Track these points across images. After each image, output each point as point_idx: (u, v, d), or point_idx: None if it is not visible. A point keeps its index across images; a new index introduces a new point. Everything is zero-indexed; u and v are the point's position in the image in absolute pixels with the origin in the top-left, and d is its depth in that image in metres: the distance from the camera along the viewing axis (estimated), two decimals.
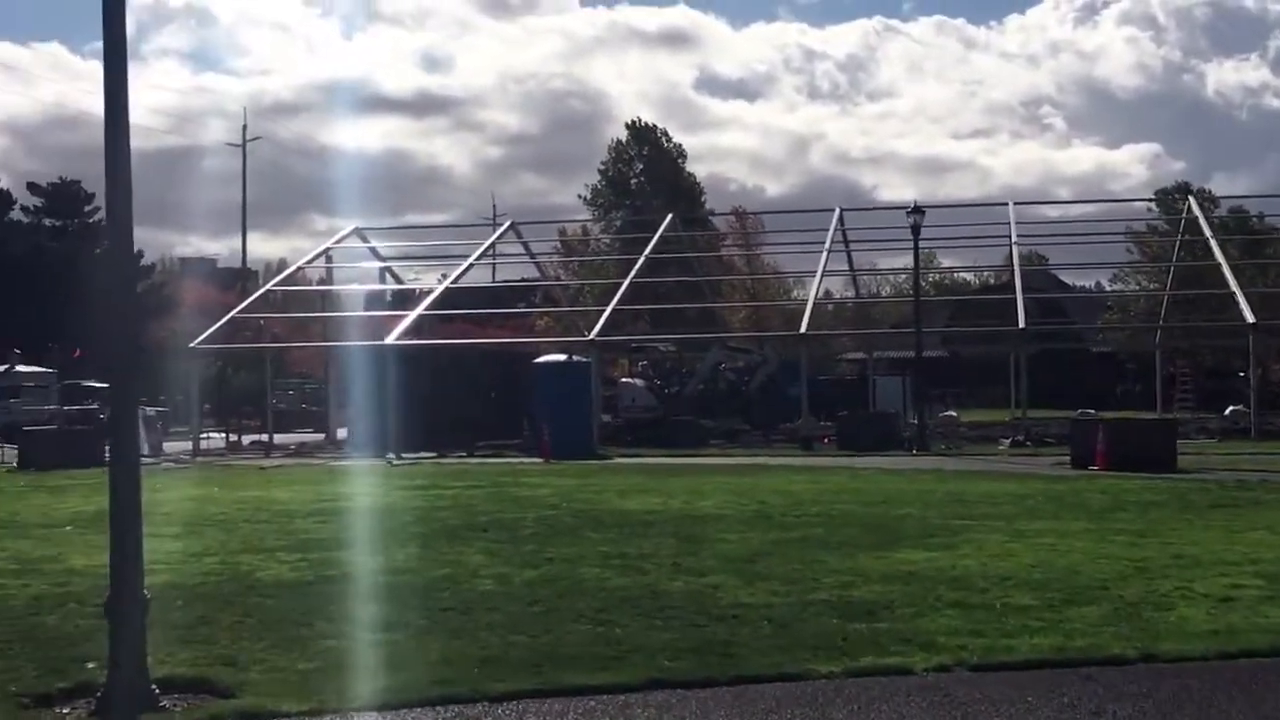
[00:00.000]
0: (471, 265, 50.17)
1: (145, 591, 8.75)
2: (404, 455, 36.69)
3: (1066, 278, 74.70)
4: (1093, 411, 50.68)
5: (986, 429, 45.82)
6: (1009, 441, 38.57)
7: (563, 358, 40.40)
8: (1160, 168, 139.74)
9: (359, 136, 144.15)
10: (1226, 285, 44.42)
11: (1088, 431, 29.59)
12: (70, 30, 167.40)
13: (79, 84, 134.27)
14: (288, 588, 12.99)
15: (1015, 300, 43.96)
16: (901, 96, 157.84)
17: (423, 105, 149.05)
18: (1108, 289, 77.06)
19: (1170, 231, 65.09)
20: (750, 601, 11.80)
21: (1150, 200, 76.24)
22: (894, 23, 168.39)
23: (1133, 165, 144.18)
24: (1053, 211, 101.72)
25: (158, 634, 10.53)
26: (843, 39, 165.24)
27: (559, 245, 77.32)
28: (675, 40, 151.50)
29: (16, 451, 34.80)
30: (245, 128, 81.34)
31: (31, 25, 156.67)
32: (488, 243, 51.50)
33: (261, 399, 52.72)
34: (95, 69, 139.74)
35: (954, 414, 53.64)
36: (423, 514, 19.82)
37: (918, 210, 39.70)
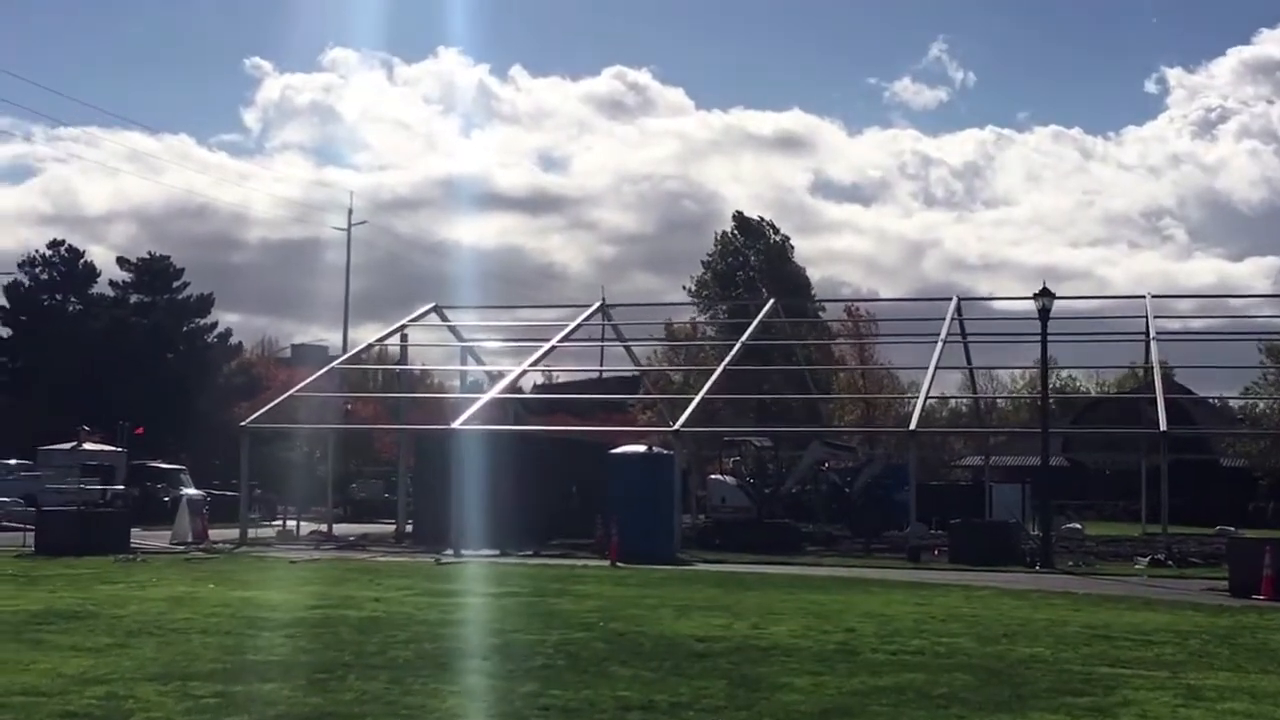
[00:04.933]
0: (554, 347, 46.24)
1: None
2: (464, 552, 32.95)
3: (1193, 388, 69.33)
4: (1232, 529, 45.66)
5: (1116, 545, 41.03)
6: (1147, 560, 33.81)
7: (641, 449, 36.30)
8: None
9: (475, 232, 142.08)
10: None
11: (1250, 552, 24.80)
12: (198, 123, 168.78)
13: (206, 175, 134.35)
14: None
15: (1150, 401, 39.56)
16: (1018, 205, 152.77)
17: (538, 203, 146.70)
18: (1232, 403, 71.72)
19: None
20: None
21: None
22: (1008, 132, 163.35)
23: (1256, 279, 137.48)
24: (1173, 323, 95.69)
25: None
26: (958, 147, 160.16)
27: (662, 335, 73.53)
28: (790, 144, 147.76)
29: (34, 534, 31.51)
30: (350, 212, 79.89)
31: (162, 117, 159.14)
32: (574, 324, 47.65)
33: (345, 486, 49.36)
34: (222, 161, 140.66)
35: (1078, 526, 48.85)
36: (425, 631, 15.91)
37: (1046, 294, 34.95)
